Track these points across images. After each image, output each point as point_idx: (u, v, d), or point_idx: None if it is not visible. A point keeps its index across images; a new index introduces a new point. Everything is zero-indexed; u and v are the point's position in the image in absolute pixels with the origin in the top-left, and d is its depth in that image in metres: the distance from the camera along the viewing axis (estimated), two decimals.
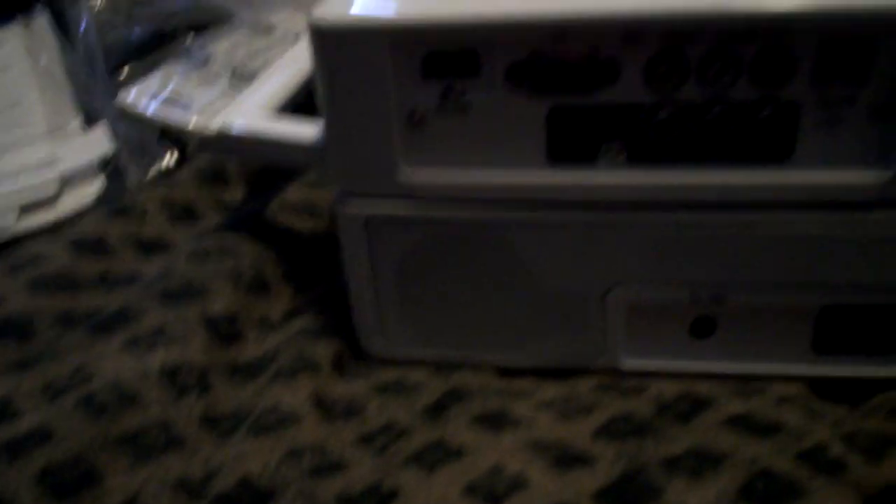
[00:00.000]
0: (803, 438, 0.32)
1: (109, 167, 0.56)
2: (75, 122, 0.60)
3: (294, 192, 0.48)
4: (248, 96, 0.44)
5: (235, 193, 0.52)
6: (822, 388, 0.36)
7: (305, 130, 0.40)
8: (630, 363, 0.37)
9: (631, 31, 0.30)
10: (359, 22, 0.32)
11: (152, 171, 0.54)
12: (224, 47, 0.58)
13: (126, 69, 0.61)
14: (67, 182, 0.54)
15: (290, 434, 0.34)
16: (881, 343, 0.35)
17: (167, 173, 0.54)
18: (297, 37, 0.56)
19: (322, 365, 0.38)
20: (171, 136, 0.52)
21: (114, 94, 0.53)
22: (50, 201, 0.53)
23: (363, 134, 0.33)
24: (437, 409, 0.36)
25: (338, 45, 0.32)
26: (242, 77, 0.53)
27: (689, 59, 0.30)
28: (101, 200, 0.54)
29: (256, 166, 0.52)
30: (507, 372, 0.39)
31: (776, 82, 0.30)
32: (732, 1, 0.29)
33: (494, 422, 0.35)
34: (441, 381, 0.38)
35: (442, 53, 0.32)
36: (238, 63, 0.54)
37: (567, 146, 0.33)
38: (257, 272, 0.43)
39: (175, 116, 0.46)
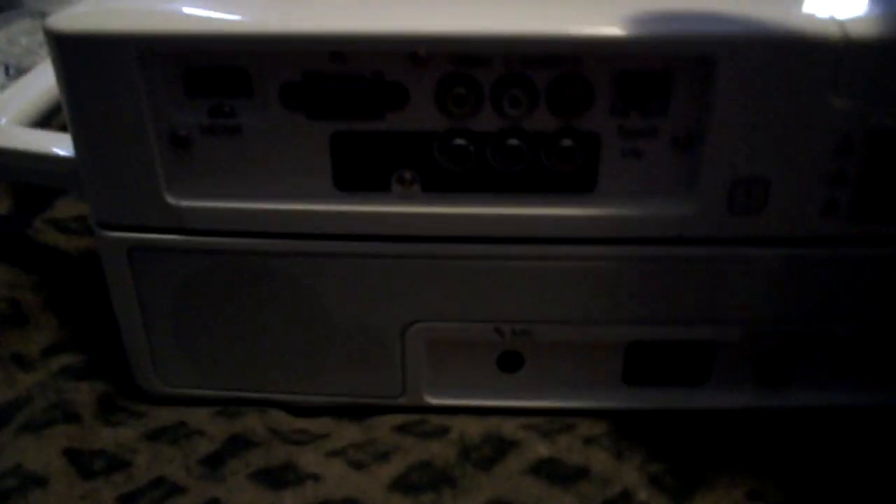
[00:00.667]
0: (609, 485, 0.33)
1: None
2: None
3: (63, 207, 0.44)
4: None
5: None
6: (631, 421, 0.36)
7: (59, 147, 0.36)
8: (435, 400, 0.36)
9: (417, 52, 0.28)
10: (103, 29, 0.28)
11: None
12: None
13: None
14: None
15: (33, 501, 0.31)
16: (689, 375, 0.35)
17: None
18: None
19: (82, 413, 0.35)
20: None
21: None
22: None
23: (118, 157, 0.31)
24: (216, 462, 0.34)
25: (80, 54, 0.29)
26: (19, 73, 0.48)
27: (481, 84, 0.29)
28: None
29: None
30: (300, 411, 0.37)
31: (574, 112, 0.29)
32: (524, 24, 0.27)
33: (278, 476, 0.33)
34: (224, 424, 0.36)
35: (207, 70, 0.29)
36: (15, 58, 0.50)
37: (355, 173, 0.31)
38: (11, 301, 0.39)
39: None
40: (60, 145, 0.37)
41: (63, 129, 0.36)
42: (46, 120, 0.41)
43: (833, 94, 0.28)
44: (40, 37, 0.57)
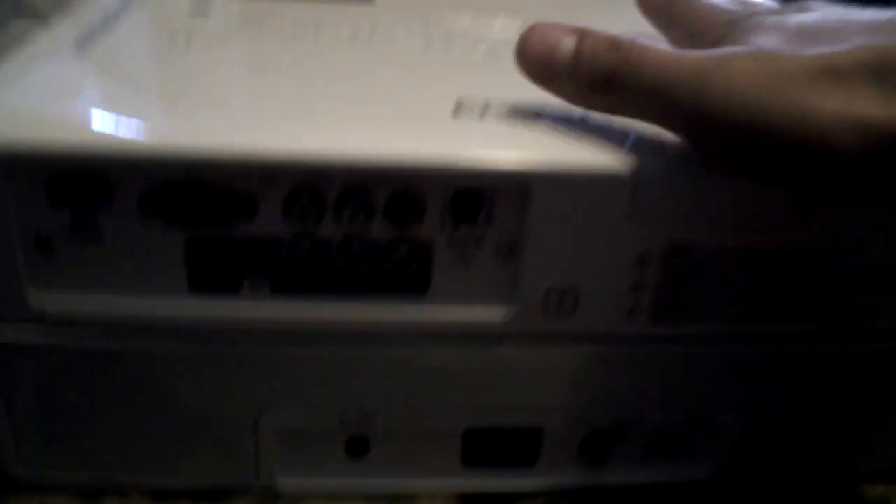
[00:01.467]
0: None
1: None
2: None
3: None
4: None
5: None
6: (471, 498, 0.40)
7: None
8: (287, 484, 0.39)
9: (266, 171, 0.31)
10: None
11: None
12: None
13: None
14: None
15: None
16: (521, 457, 0.39)
17: None
18: None
19: None
20: None
21: None
22: None
23: None
24: None
25: None
26: None
27: (325, 198, 0.32)
28: None
29: None
30: (160, 494, 0.39)
31: (408, 225, 0.33)
32: (362, 149, 0.31)
33: None
34: None
35: (70, 177, 0.32)
36: None
37: (208, 276, 0.34)
38: None
39: None
40: None
41: None
42: None
43: (629, 220, 0.32)
44: None
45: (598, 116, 0.33)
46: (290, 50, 0.42)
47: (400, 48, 0.44)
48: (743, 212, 0.33)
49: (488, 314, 0.35)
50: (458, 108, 0.35)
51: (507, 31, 0.46)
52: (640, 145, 0.33)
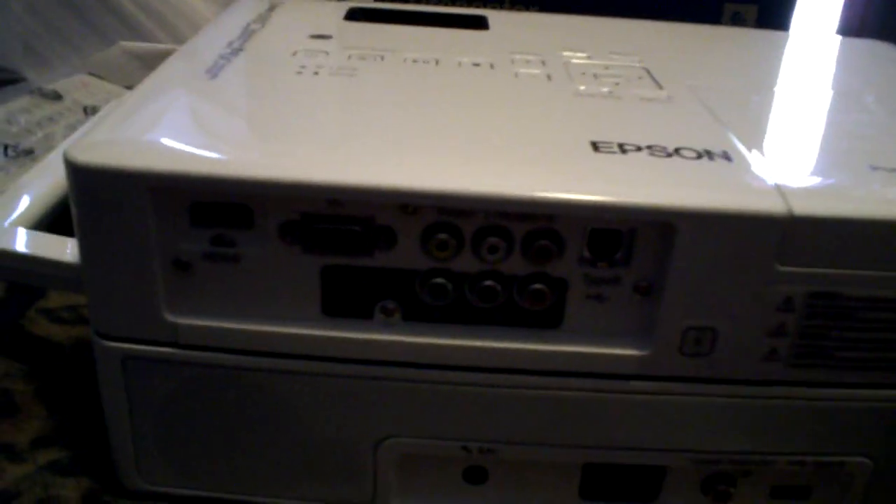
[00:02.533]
0: None
1: None
2: None
3: (56, 297, 0.47)
4: (1, 206, 0.42)
5: None
6: None
7: (62, 251, 0.38)
8: None
9: (406, 203, 0.31)
10: (120, 165, 0.31)
11: None
12: None
13: None
14: None
15: None
16: (641, 494, 0.39)
17: None
18: (86, 110, 0.54)
19: None
20: None
21: None
22: None
23: (122, 276, 0.33)
24: None
25: (96, 184, 0.32)
26: (17, 154, 0.50)
27: (463, 232, 0.32)
28: None
29: None
30: None
31: (545, 260, 0.32)
32: (504, 184, 0.31)
33: None
34: None
35: (212, 204, 0.32)
36: (13, 138, 0.51)
37: (342, 302, 0.34)
38: (3, 390, 0.41)
39: None
40: (65, 250, 0.39)
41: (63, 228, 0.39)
42: (50, 220, 0.43)
43: (777, 262, 0.31)
44: (39, 115, 0.60)
45: (743, 151, 0.32)
46: (416, 78, 0.42)
47: (524, 78, 0.43)
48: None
49: (621, 352, 0.35)
50: (597, 145, 0.34)
51: (626, 67, 0.45)
52: (791, 184, 0.32)
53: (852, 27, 1.20)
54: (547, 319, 0.34)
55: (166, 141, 0.33)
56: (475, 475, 0.39)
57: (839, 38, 0.58)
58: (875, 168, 0.34)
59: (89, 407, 0.40)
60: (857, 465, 0.38)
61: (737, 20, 0.98)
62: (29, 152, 0.49)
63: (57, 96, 0.60)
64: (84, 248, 0.33)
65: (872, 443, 0.37)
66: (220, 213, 0.32)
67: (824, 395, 0.35)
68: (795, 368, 0.34)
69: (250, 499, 0.39)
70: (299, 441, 0.37)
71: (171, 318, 0.34)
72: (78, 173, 0.32)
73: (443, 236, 0.32)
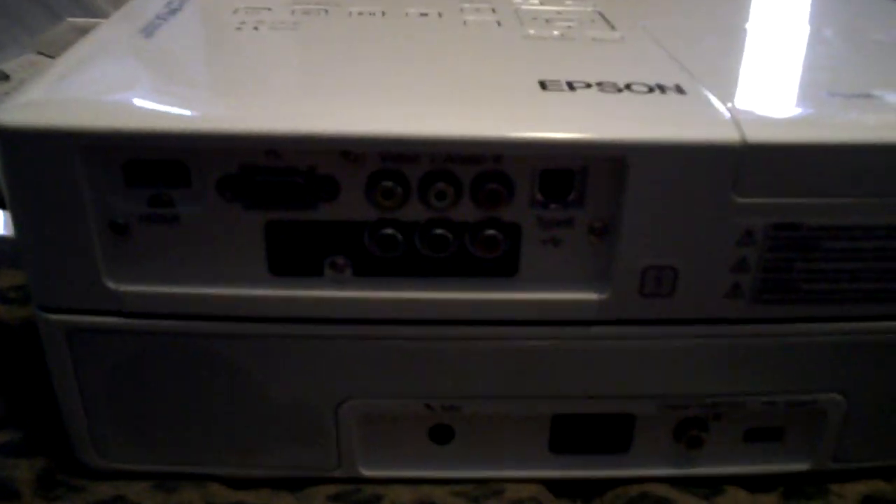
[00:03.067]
0: None
1: None
2: None
3: (2, 277, 0.45)
4: None
5: None
6: (558, 486, 0.39)
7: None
8: (369, 472, 0.38)
9: (348, 150, 0.30)
10: (49, 125, 0.30)
11: None
12: None
13: None
14: None
15: None
16: (612, 444, 0.38)
17: None
18: None
19: (22, 491, 0.36)
20: None
21: None
22: None
23: (59, 243, 0.32)
24: None
25: (23, 147, 0.30)
26: None
27: (409, 179, 0.31)
28: None
29: None
30: (238, 483, 0.38)
31: (496, 205, 0.31)
32: (449, 126, 0.30)
33: None
34: (161, 499, 0.37)
35: (147, 162, 0.31)
36: None
37: (289, 260, 0.33)
38: None
39: None
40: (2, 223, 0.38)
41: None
42: None
43: (734, 193, 0.30)
44: None
45: (696, 84, 0.31)
46: (360, 29, 0.40)
47: (473, 25, 0.42)
48: (859, 182, 0.31)
49: (580, 296, 0.34)
50: (545, 83, 0.33)
51: (578, 11, 0.44)
52: (744, 114, 0.30)
53: None
54: (502, 267, 0.33)
55: (96, 98, 0.31)
56: (441, 434, 0.38)
57: None
58: (833, 94, 0.33)
59: (41, 388, 0.39)
60: (829, 402, 0.37)
61: None
62: None
63: (4, 77, 0.58)
64: (16, 218, 0.32)
65: (844, 378, 0.36)
66: (155, 171, 0.31)
67: (791, 330, 0.35)
68: (760, 305, 0.33)
69: (212, 471, 0.38)
70: (257, 408, 0.36)
71: (112, 285, 0.33)
72: (4, 136, 0.30)
73: (388, 184, 0.31)
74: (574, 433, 0.38)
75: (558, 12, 0.44)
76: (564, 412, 0.37)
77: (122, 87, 0.33)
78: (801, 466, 0.39)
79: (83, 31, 0.68)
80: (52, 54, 0.60)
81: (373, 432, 0.37)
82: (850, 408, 0.37)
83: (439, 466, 0.38)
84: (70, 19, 0.67)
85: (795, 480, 0.39)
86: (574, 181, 0.32)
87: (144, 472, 0.38)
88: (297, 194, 0.31)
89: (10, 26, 0.66)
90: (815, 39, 0.42)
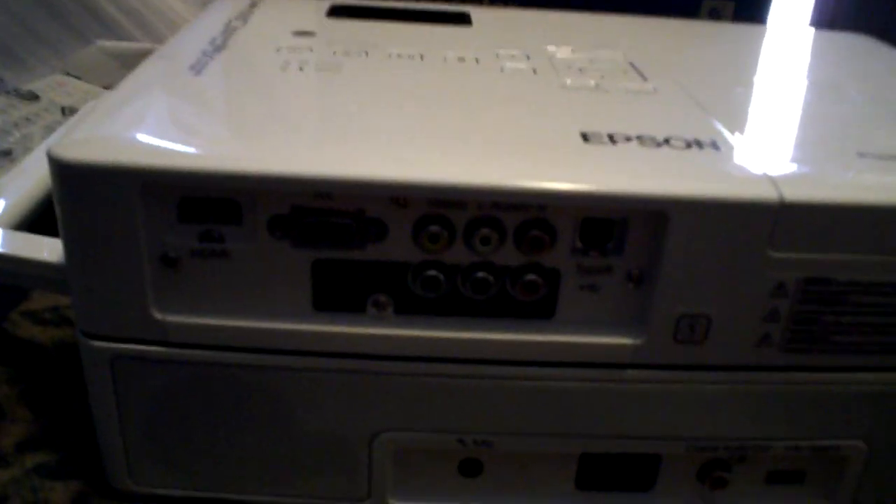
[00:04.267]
0: None
1: None
2: None
3: (39, 298, 0.46)
4: None
5: None
6: None
7: (46, 250, 0.38)
8: (398, 503, 0.38)
9: (397, 195, 0.31)
10: (109, 162, 0.31)
11: None
12: None
13: None
14: None
15: None
16: (637, 482, 0.38)
17: None
18: (64, 111, 0.53)
19: None
20: None
21: None
22: None
23: (109, 273, 0.33)
24: None
25: (82, 182, 0.31)
26: None
27: (455, 224, 0.32)
28: None
29: None
30: None
31: (538, 251, 0.32)
32: (495, 176, 0.31)
33: None
34: None
35: (200, 199, 0.32)
36: None
37: (333, 296, 0.34)
38: None
39: None
40: (49, 250, 0.38)
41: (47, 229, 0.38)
42: (30, 221, 0.43)
43: (769, 248, 0.31)
44: (16, 116, 0.59)
45: (730, 139, 0.32)
46: (402, 74, 0.41)
47: (510, 73, 0.43)
48: (889, 241, 0.32)
49: (615, 341, 0.34)
50: (587, 136, 0.34)
51: (610, 61, 0.45)
52: (780, 172, 0.32)
53: (823, 21, 1.21)
54: (540, 310, 0.34)
55: (153, 137, 0.32)
56: (471, 468, 0.38)
57: (815, 31, 0.58)
58: (863, 155, 0.34)
59: (76, 409, 0.40)
60: (851, 449, 0.38)
61: (714, 15, 0.99)
62: (6, 153, 0.48)
63: (34, 97, 0.59)
64: (70, 247, 0.33)
65: (867, 426, 0.37)
66: (208, 208, 0.32)
67: (818, 379, 0.35)
68: (789, 353, 0.34)
69: (244, 497, 0.39)
70: (293, 438, 0.37)
71: (159, 315, 0.34)
72: (64, 171, 0.31)
73: (434, 228, 0.32)
74: (600, 471, 0.38)
75: (590, 61, 0.45)
76: (593, 451, 0.37)
77: (177, 125, 0.34)
78: None
79: (112, 55, 0.69)
80: (80, 76, 0.61)
81: (404, 464, 0.38)
82: (872, 454, 0.37)
83: (467, 500, 0.39)
84: (100, 42, 0.68)
85: None
86: (614, 230, 0.32)
87: (177, 498, 0.39)
88: (345, 235, 0.32)
89: (37, 47, 0.67)
90: (841, 96, 0.43)
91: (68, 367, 0.40)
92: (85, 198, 0.31)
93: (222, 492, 0.39)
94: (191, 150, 0.31)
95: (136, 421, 0.37)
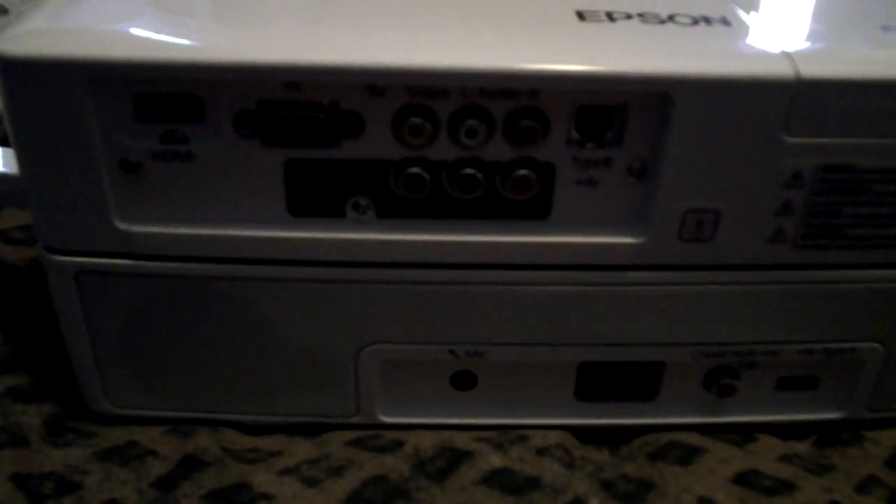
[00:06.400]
0: (560, 494, 0.34)
1: None
2: None
3: (8, 217, 0.43)
4: None
5: None
6: (584, 433, 0.38)
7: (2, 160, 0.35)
8: (388, 419, 0.37)
9: (373, 83, 0.28)
10: (55, 55, 0.28)
11: None
12: None
13: None
14: None
15: None
16: (640, 391, 0.37)
17: None
18: None
19: (30, 436, 0.35)
20: None
21: None
22: None
23: (66, 182, 0.30)
24: (168, 484, 0.34)
25: (27, 78, 0.28)
26: None
27: (438, 115, 0.29)
28: None
29: None
30: (253, 429, 0.37)
31: (530, 143, 0.30)
32: (481, 58, 0.28)
33: (231, 498, 0.33)
34: (176, 444, 0.36)
35: (159, 96, 0.29)
36: None
37: (309, 200, 0.31)
38: None
39: None
40: (5, 160, 0.36)
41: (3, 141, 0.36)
42: None
43: (785, 132, 0.29)
44: None
45: (743, 16, 0.29)
46: None
47: None
48: None
49: (616, 240, 0.32)
50: (583, 14, 0.31)
51: None
52: (796, 47, 0.29)
53: None
54: (534, 209, 0.32)
55: (105, 27, 0.29)
56: (464, 380, 0.37)
57: None
58: (887, 28, 0.31)
59: (50, 331, 0.37)
60: (868, 352, 0.36)
61: None
62: None
63: (2, 10, 0.56)
64: (22, 155, 0.30)
65: (885, 328, 0.35)
66: (168, 106, 0.29)
67: (834, 277, 0.33)
68: (804, 250, 0.32)
69: (227, 417, 0.37)
70: (273, 353, 0.35)
71: (123, 226, 0.31)
72: (8, 68, 0.28)
73: (416, 120, 0.29)
74: (601, 381, 0.37)
75: None
76: (592, 360, 0.35)
77: (131, 15, 0.31)
78: (834, 415, 0.38)
79: None
80: None
81: (393, 378, 0.36)
82: (889, 357, 0.35)
83: (461, 413, 0.37)
84: None
85: (829, 428, 0.38)
86: (613, 119, 0.30)
87: (157, 418, 0.37)
88: (318, 131, 0.30)
89: None
90: None
91: (41, 287, 0.37)
92: (32, 97, 0.29)
93: (203, 412, 0.37)
94: (141, 39, 0.28)
95: (108, 340, 0.35)
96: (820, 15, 0.33)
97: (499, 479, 0.34)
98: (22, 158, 0.30)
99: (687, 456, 0.36)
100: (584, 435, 0.38)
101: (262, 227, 0.32)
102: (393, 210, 0.31)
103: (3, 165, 0.36)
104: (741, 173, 0.30)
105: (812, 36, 0.31)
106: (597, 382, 0.37)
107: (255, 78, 0.28)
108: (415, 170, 0.30)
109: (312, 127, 0.29)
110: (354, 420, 0.37)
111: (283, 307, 0.34)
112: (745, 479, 0.35)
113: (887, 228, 0.32)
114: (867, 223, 0.31)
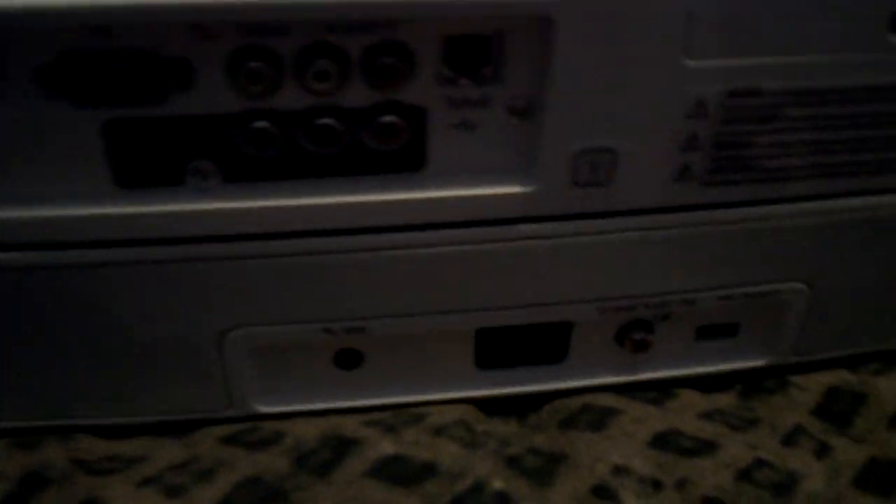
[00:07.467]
0: (458, 479, 0.31)
1: None
2: None
3: None
4: None
5: None
6: (489, 404, 0.35)
7: None
8: (266, 408, 0.34)
9: (199, 22, 0.24)
10: None
11: None
12: None
13: None
14: None
15: None
16: (546, 355, 0.35)
17: None
18: None
19: None
20: None
21: None
22: None
23: None
24: None
25: None
26: None
27: (281, 56, 0.25)
28: None
29: None
30: (113, 432, 0.34)
31: (394, 83, 0.26)
32: None
33: None
34: (21, 458, 0.33)
35: None
36: None
37: (139, 168, 0.27)
38: None
39: None
40: None
41: None
42: None
43: (684, 55, 0.27)
44: None
45: None
46: None
47: None
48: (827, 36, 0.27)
49: (502, 190, 0.29)
50: None
51: None
52: None
53: None
54: (406, 161, 0.29)
55: None
56: (348, 359, 0.34)
57: None
58: None
59: None
60: (791, 293, 0.34)
61: None
62: None
63: None
64: None
65: (807, 266, 0.33)
66: None
67: (749, 215, 0.31)
68: (713, 187, 0.30)
69: (79, 421, 0.34)
70: (125, 345, 0.32)
71: None
72: None
73: (254, 65, 0.26)
74: (502, 346, 0.34)
75: None
76: (489, 325, 0.32)
77: None
78: (758, 362, 0.36)
79: None
80: None
81: (267, 363, 0.33)
82: (814, 297, 0.34)
83: (349, 395, 0.35)
84: None
85: (753, 377, 0.37)
86: (489, 50, 0.27)
87: (4, 430, 0.33)
88: (138, 84, 0.26)
89: None
90: None
91: None
92: None
93: (52, 418, 0.33)
94: None
95: None
96: None
97: (389, 469, 0.32)
98: None
99: (601, 420, 0.34)
100: (490, 406, 0.36)
101: (85, 203, 0.28)
102: (240, 173, 0.28)
103: None
104: (638, 106, 0.28)
105: None
106: (498, 349, 0.34)
107: (53, 24, 0.24)
108: (260, 123, 0.27)
109: (131, 79, 0.26)
110: (228, 413, 0.34)
111: (127, 294, 0.30)
112: (663, 441, 0.33)
113: (802, 157, 0.29)
114: (780, 153, 0.30)
